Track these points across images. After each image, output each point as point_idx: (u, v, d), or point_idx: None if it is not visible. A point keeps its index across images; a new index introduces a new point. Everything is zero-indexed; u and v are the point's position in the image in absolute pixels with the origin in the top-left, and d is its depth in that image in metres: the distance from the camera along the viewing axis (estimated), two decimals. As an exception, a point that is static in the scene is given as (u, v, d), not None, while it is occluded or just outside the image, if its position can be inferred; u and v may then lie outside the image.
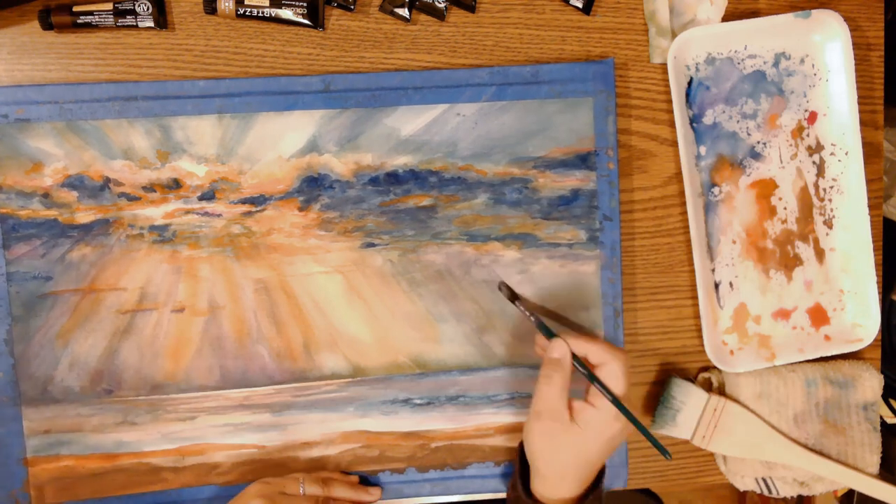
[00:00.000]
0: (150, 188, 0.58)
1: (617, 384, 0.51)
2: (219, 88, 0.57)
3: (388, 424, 0.62)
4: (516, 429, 0.62)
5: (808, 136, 0.63)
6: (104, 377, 0.59)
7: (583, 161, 0.61)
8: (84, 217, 0.58)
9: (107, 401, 0.59)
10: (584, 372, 0.52)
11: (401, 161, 0.59)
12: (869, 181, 0.63)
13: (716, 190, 0.63)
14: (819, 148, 0.63)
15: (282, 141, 0.58)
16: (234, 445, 0.60)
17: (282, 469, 0.61)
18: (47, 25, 0.55)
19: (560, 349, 0.52)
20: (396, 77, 0.59)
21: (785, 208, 0.64)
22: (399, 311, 0.61)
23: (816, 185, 0.64)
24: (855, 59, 0.62)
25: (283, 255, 0.59)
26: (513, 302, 0.57)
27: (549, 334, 0.54)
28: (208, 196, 0.58)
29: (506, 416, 0.62)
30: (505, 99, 0.59)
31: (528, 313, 0.55)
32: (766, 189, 0.63)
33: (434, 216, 0.60)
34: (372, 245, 0.60)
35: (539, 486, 0.53)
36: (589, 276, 0.62)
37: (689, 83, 0.62)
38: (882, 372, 0.65)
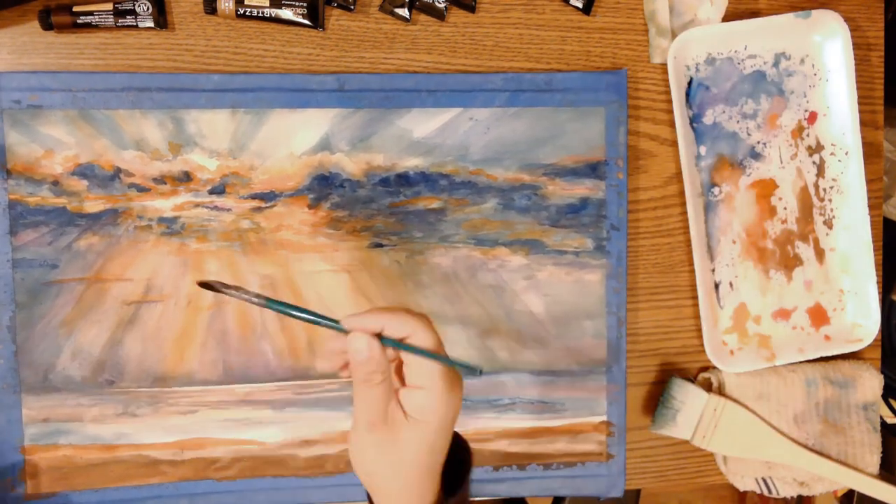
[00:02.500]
0: (160, 180, 0.58)
1: (431, 343, 0.42)
2: (233, 83, 0.57)
3: (388, 425, 0.61)
4: (516, 434, 0.62)
5: (808, 136, 0.64)
6: (106, 367, 0.59)
7: (593, 170, 0.61)
8: (93, 206, 0.57)
9: (108, 391, 0.59)
10: (405, 347, 0.42)
11: (412, 163, 0.60)
12: (869, 181, 0.64)
13: (716, 190, 0.63)
14: (819, 148, 0.64)
15: (294, 138, 0.58)
16: (234, 441, 0.60)
17: (281, 466, 0.61)
18: (47, 25, 0.55)
19: (361, 342, 0.41)
20: (411, 79, 0.59)
21: (785, 208, 0.64)
22: (404, 312, 0.61)
23: (816, 185, 0.64)
24: (855, 59, 0.62)
25: (290, 251, 0.59)
26: (221, 291, 0.43)
27: (337, 326, 0.42)
28: (218, 190, 0.58)
29: (507, 421, 0.62)
30: (518, 105, 0.60)
31: (261, 301, 0.42)
32: (766, 189, 0.64)
33: (443, 219, 0.60)
34: (380, 245, 0.60)
35: (385, 500, 0.44)
36: (594, 284, 0.62)
37: (689, 83, 0.62)
38: (882, 372, 0.66)
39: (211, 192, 0.58)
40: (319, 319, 0.42)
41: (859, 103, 0.63)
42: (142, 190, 0.58)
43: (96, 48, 0.57)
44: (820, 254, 0.65)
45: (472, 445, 0.62)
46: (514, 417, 0.62)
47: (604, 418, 0.63)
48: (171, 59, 0.58)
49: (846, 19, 0.62)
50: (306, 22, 0.57)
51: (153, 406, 0.59)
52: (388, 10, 0.59)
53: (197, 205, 0.58)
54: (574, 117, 0.60)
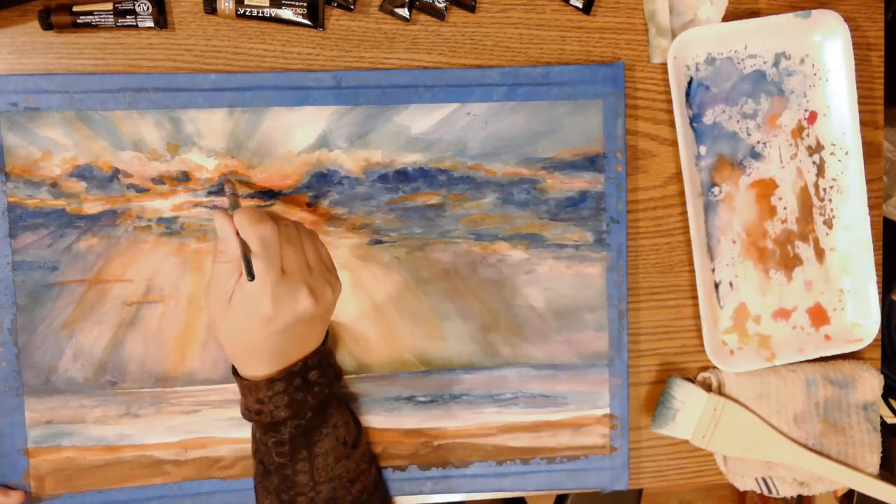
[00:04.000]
0: (159, 180, 0.58)
1: (260, 263, 0.48)
2: (230, 82, 0.57)
3: (391, 421, 0.62)
4: (519, 428, 0.62)
5: (808, 135, 0.64)
6: (108, 369, 0.59)
7: (591, 163, 0.61)
8: (92, 207, 0.57)
9: (110, 392, 0.59)
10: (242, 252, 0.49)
11: (410, 159, 0.60)
12: (869, 181, 0.64)
13: (716, 190, 0.63)
14: (819, 148, 0.64)
15: (292, 136, 0.58)
16: (237, 439, 0.60)
17: (284, 464, 0.61)
18: (47, 25, 0.55)
19: (223, 228, 0.50)
20: (407, 75, 0.59)
21: (785, 208, 0.64)
22: (405, 308, 0.61)
23: (816, 185, 0.64)
24: (855, 59, 0.62)
25: (290, 250, 0.59)
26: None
27: (232, 208, 0.51)
28: (217, 189, 0.58)
29: (509, 416, 0.62)
30: (515, 99, 0.60)
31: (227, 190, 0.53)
32: (766, 189, 0.64)
33: (442, 214, 0.60)
34: (379, 242, 0.60)
35: (239, 367, 0.53)
36: (595, 277, 0.62)
37: (689, 83, 0.62)
38: (882, 372, 0.66)
39: (210, 192, 0.58)
40: (234, 200, 0.52)
41: (859, 103, 0.62)
42: (140, 190, 0.58)
43: (96, 48, 0.57)
44: (820, 253, 0.65)
45: (476, 440, 0.62)
46: (517, 412, 0.62)
47: (606, 411, 0.63)
48: (171, 59, 0.58)
49: (846, 19, 0.61)
50: (306, 22, 0.57)
51: (155, 406, 0.59)
52: (388, 10, 0.59)
53: (196, 204, 0.58)
54: (572, 110, 0.60)
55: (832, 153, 0.64)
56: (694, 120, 0.62)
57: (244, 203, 0.58)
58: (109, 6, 0.55)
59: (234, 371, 0.54)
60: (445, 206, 0.60)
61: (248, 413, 0.53)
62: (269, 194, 0.59)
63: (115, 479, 0.59)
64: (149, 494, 0.60)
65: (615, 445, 0.63)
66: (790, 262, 0.64)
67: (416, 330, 0.61)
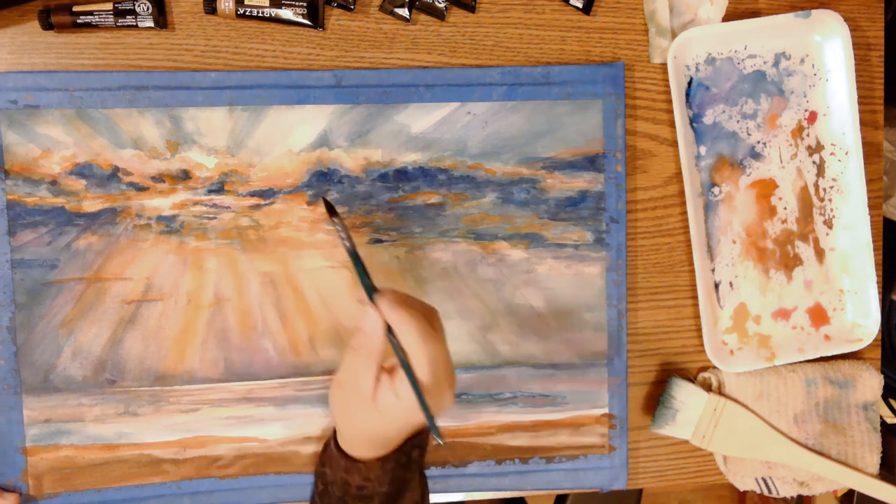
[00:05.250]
0: (159, 178, 0.58)
1: (422, 375, 0.46)
2: (230, 80, 0.57)
3: (390, 421, 0.61)
4: (518, 427, 0.62)
5: (808, 135, 0.64)
6: (107, 367, 0.58)
7: (591, 163, 0.61)
8: (91, 206, 0.57)
9: (109, 391, 0.59)
10: (397, 354, 0.46)
11: (410, 158, 0.60)
12: (869, 181, 0.64)
13: (716, 190, 0.63)
14: (819, 148, 0.64)
15: (292, 135, 0.58)
16: (235, 438, 0.60)
17: (283, 463, 0.61)
18: (47, 25, 0.55)
19: (372, 324, 0.47)
20: (408, 74, 0.59)
21: (785, 208, 0.64)
22: (405, 307, 0.61)
23: (816, 185, 0.64)
24: (855, 59, 0.62)
25: (290, 248, 0.59)
26: (331, 217, 0.50)
27: (369, 293, 0.48)
28: (217, 188, 0.58)
29: (508, 415, 0.62)
30: (515, 99, 0.60)
31: (346, 244, 0.49)
32: (766, 189, 0.64)
33: (442, 214, 0.60)
34: (379, 241, 0.60)
35: (342, 443, 0.51)
36: (594, 277, 0.62)
37: (689, 83, 0.62)
38: (882, 372, 0.66)
39: (210, 191, 0.58)
40: (364, 279, 0.49)
41: (859, 103, 0.63)
42: (140, 189, 0.58)
43: (96, 48, 0.57)
44: (820, 253, 0.65)
45: (475, 440, 0.62)
46: (516, 411, 0.62)
47: (605, 411, 0.63)
48: (170, 59, 0.58)
49: (846, 19, 0.62)
50: (306, 22, 0.57)
51: (154, 405, 0.59)
52: (388, 10, 0.59)
53: (196, 203, 0.58)
54: (572, 110, 0.60)
55: (832, 153, 0.64)
56: (694, 120, 0.62)
57: (237, 206, 0.58)
58: (109, 6, 0.55)
59: (336, 446, 0.51)
60: (445, 205, 0.60)
61: (345, 486, 0.50)
62: (269, 193, 0.59)
63: (113, 477, 0.59)
64: (147, 493, 0.60)
65: (614, 445, 0.63)
66: (790, 262, 0.65)
67: (415, 329, 0.61)
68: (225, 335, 0.59)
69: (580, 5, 0.60)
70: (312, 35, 0.59)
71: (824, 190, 0.64)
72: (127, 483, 0.59)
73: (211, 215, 0.58)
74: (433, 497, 0.63)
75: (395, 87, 0.59)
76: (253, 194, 0.59)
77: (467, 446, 0.62)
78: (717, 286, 0.64)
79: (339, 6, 0.58)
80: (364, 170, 0.59)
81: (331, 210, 0.51)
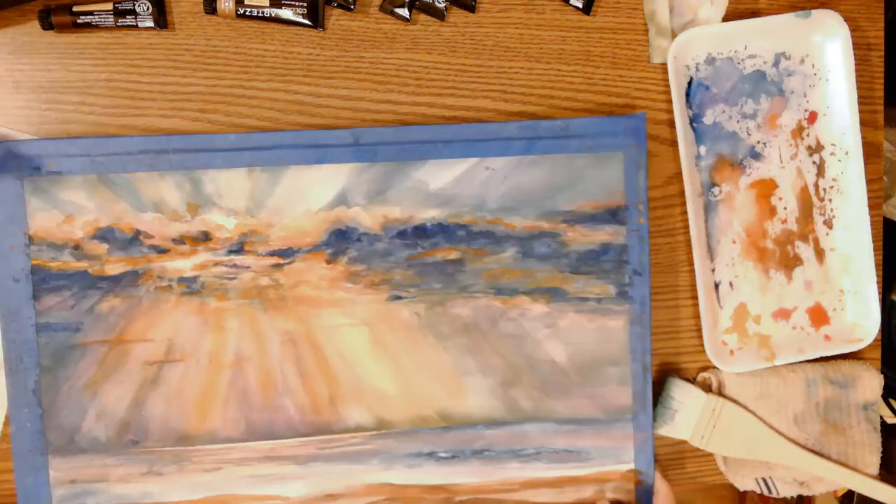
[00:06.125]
0: (179, 240, 0.58)
1: None
2: (250, 141, 0.57)
3: (412, 477, 0.61)
4: (542, 484, 0.62)
5: (808, 136, 0.64)
6: (131, 428, 0.59)
7: (613, 216, 0.60)
8: (114, 269, 0.58)
9: (133, 451, 0.59)
10: None
11: (429, 214, 0.59)
12: (869, 181, 0.64)
13: (716, 190, 0.63)
14: (819, 148, 0.64)
15: (311, 194, 0.58)
16: (258, 497, 0.60)
17: (306, 521, 0.61)
18: (47, 25, 0.56)
19: None
20: (426, 131, 0.58)
21: (785, 208, 0.64)
22: (425, 364, 0.60)
23: (816, 185, 0.64)
24: (855, 58, 0.62)
25: (310, 307, 0.59)
26: None
27: None
28: (237, 248, 0.58)
29: (532, 471, 0.61)
30: (534, 153, 0.59)
31: None
32: (766, 189, 0.63)
33: (462, 270, 0.60)
34: (399, 298, 0.60)
35: None
36: (617, 331, 0.61)
37: (689, 83, 0.62)
38: (882, 372, 0.65)
39: (230, 251, 0.58)
40: None
41: (859, 103, 0.62)
42: (161, 251, 0.58)
43: (96, 48, 0.57)
44: (820, 254, 0.64)
45: (498, 496, 0.62)
46: (540, 467, 0.62)
47: (631, 466, 0.62)
48: (171, 59, 0.58)
49: (846, 19, 0.61)
50: (306, 22, 0.57)
51: (178, 464, 0.59)
52: (388, 10, 0.59)
53: (216, 263, 0.58)
54: (592, 163, 0.59)
55: (832, 153, 0.63)
56: (694, 120, 0.62)
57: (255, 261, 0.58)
58: (109, 6, 0.56)
59: None
60: (465, 261, 0.60)
61: None
62: (289, 252, 0.59)
63: (138, 537, 0.60)
64: (171, 553, 0.60)
65: (640, 501, 0.62)
66: (790, 262, 0.64)
67: (436, 386, 0.60)
68: (246, 395, 0.59)
69: (580, 5, 0.60)
70: (312, 35, 0.59)
71: (824, 190, 0.64)
72: (151, 542, 0.60)
73: (231, 275, 0.59)
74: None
75: (413, 144, 0.58)
76: (272, 254, 0.59)
77: (490, 503, 0.62)
78: (717, 286, 0.63)
79: (339, 6, 0.58)
80: (383, 227, 0.59)
81: None
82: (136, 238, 0.58)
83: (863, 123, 0.63)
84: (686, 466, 0.66)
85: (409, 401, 0.60)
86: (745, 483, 0.65)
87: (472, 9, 0.60)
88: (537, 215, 0.60)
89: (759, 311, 0.64)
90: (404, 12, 0.58)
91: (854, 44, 0.62)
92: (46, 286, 0.57)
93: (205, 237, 0.58)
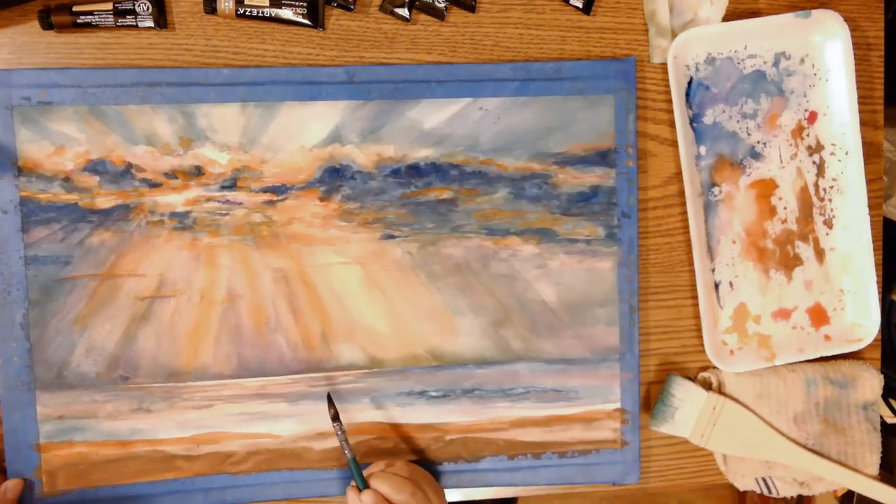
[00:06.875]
0: (171, 175, 0.58)
1: None
2: (243, 77, 0.57)
3: (403, 416, 0.62)
4: (530, 422, 0.63)
5: (808, 135, 0.64)
6: (121, 363, 0.58)
7: (602, 158, 0.61)
8: (104, 202, 0.57)
9: (122, 387, 0.59)
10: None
11: (422, 154, 0.60)
12: (869, 181, 0.64)
13: (716, 190, 0.63)
14: (819, 148, 0.64)
15: (305, 131, 0.58)
16: (249, 434, 0.60)
17: (296, 459, 0.61)
18: (47, 25, 0.55)
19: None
20: (420, 70, 0.59)
21: (785, 208, 0.64)
22: (417, 303, 0.61)
23: (816, 185, 0.64)
24: (855, 58, 0.62)
25: (302, 244, 0.59)
26: (333, 422, 0.58)
27: (362, 484, 0.56)
28: (230, 184, 0.58)
29: (521, 410, 0.62)
30: (527, 94, 0.60)
31: (346, 452, 0.57)
32: (766, 189, 0.64)
33: (454, 209, 0.60)
34: (391, 237, 0.60)
35: None
36: (606, 272, 0.62)
37: (689, 83, 0.62)
38: (882, 372, 0.66)
39: (222, 187, 0.58)
40: (359, 479, 0.56)
41: (859, 103, 0.62)
42: (153, 185, 0.58)
43: (96, 48, 0.57)
44: (820, 253, 0.65)
45: (487, 435, 0.62)
46: (529, 406, 0.62)
47: (617, 405, 0.63)
48: (171, 59, 0.58)
49: (846, 19, 0.61)
50: (306, 21, 0.57)
51: (168, 401, 0.59)
52: (388, 10, 0.59)
53: (209, 199, 0.58)
54: (583, 105, 0.60)
55: (832, 153, 0.64)
56: (694, 120, 0.62)
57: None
58: (109, 6, 0.55)
59: None
60: (457, 200, 0.60)
61: None
62: (282, 189, 0.59)
63: (127, 474, 0.59)
64: (161, 489, 0.60)
65: (626, 440, 0.63)
66: (790, 262, 0.64)
67: (428, 325, 0.61)
68: (238, 331, 0.59)
69: (580, 5, 0.60)
70: (312, 35, 0.59)
71: (824, 190, 0.64)
72: (140, 479, 0.59)
73: (224, 212, 0.58)
74: (448, 492, 0.63)
75: (407, 83, 0.59)
76: (265, 190, 0.59)
77: (480, 442, 0.62)
78: (717, 286, 0.64)
79: (339, 6, 0.58)
80: (376, 165, 0.59)
81: (334, 415, 0.58)
82: (127, 171, 0.57)
83: (863, 123, 0.63)
84: (686, 466, 0.66)
85: (401, 339, 0.61)
86: (744, 483, 0.65)
87: (472, 9, 0.60)
88: (529, 156, 0.61)
89: (759, 311, 0.64)
90: (404, 12, 0.58)
91: (854, 44, 0.62)
92: (35, 218, 0.57)
93: (197, 172, 0.58)
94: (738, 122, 0.63)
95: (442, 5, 0.59)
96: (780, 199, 0.64)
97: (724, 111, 0.62)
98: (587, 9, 0.61)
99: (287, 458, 0.61)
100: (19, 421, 0.58)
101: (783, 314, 0.65)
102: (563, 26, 0.61)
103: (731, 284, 0.64)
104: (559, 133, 0.61)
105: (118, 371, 0.59)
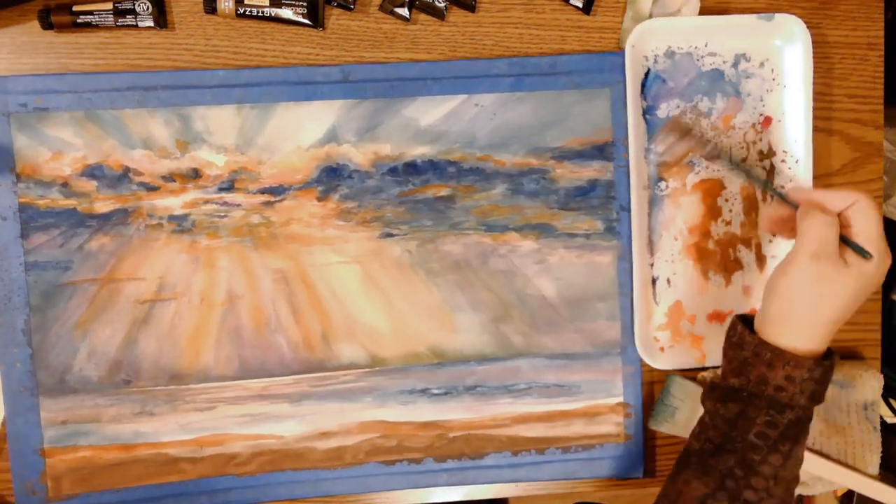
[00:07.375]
0: (169, 178, 0.58)
1: (870, 223, 0.48)
2: (238, 78, 0.57)
3: (405, 414, 0.62)
4: (533, 418, 0.62)
5: (760, 140, 0.63)
6: (122, 367, 0.59)
7: (600, 151, 0.61)
8: (103, 206, 0.57)
9: (125, 391, 0.59)
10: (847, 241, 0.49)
11: (419, 151, 0.60)
12: (869, 181, 0.64)
13: (662, 184, 0.62)
14: (770, 154, 0.63)
15: (301, 131, 0.58)
16: (252, 436, 0.60)
17: (299, 459, 0.61)
18: (47, 25, 0.55)
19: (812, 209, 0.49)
20: (415, 68, 0.59)
21: (731, 210, 0.63)
22: (417, 301, 0.61)
23: (764, 191, 0.63)
24: (855, 58, 0.61)
25: (301, 244, 0.59)
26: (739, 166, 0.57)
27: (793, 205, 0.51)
28: (227, 186, 0.58)
29: (523, 406, 0.62)
30: (523, 90, 0.60)
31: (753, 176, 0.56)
32: (713, 189, 0.63)
33: (452, 206, 0.60)
34: (390, 235, 0.60)
35: (783, 335, 0.49)
36: (605, 266, 0.62)
37: (647, 74, 0.61)
38: (882, 372, 0.65)
39: (220, 189, 0.58)
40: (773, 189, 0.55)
41: (860, 103, 0.62)
42: (151, 188, 0.58)
43: (96, 48, 0.57)
44: (761, 260, 0.64)
45: (490, 432, 0.62)
46: (531, 402, 0.62)
47: (620, 399, 0.63)
48: (171, 59, 0.58)
49: (846, 19, 0.60)
50: (306, 21, 0.57)
51: (170, 404, 0.59)
52: (388, 10, 0.59)
53: (206, 201, 0.58)
54: (579, 99, 0.60)
55: (783, 160, 0.63)
56: (647, 112, 0.61)
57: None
58: (109, 6, 0.55)
59: (750, 334, 0.50)
60: (455, 197, 0.60)
61: (758, 387, 0.48)
62: (280, 190, 0.59)
63: (131, 477, 0.59)
64: (165, 492, 0.60)
65: (629, 434, 0.63)
66: (730, 266, 0.64)
67: (428, 322, 0.61)
68: (238, 333, 0.59)
69: (580, 5, 0.60)
70: (312, 35, 0.59)
71: (772, 196, 0.63)
72: (145, 482, 0.60)
73: (222, 213, 0.59)
74: (449, 489, 0.63)
75: (403, 81, 0.59)
76: (263, 191, 0.59)
77: (483, 438, 0.62)
78: (654, 281, 0.63)
79: (339, 6, 0.58)
80: (373, 164, 0.59)
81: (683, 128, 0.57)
82: (125, 175, 0.57)
83: (863, 123, 0.63)
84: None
85: (402, 337, 0.61)
86: (745, 482, 0.65)
87: (472, 8, 0.60)
88: (526, 152, 0.60)
89: (694, 311, 0.63)
90: (404, 12, 0.58)
91: (854, 43, 0.61)
92: (35, 224, 0.57)
93: (195, 174, 0.58)
94: (691, 119, 0.62)
95: (442, 5, 0.59)
96: (727, 200, 0.63)
97: (678, 106, 0.61)
98: (587, 8, 0.60)
99: (291, 458, 0.61)
100: (23, 426, 0.58)
101: (718, 317, 0.64)
102: (563, 26, 0.61)
103: (668, 281, 0.63)
104: (556, 128, 0.60)
105: (120, 375, 0.59)
